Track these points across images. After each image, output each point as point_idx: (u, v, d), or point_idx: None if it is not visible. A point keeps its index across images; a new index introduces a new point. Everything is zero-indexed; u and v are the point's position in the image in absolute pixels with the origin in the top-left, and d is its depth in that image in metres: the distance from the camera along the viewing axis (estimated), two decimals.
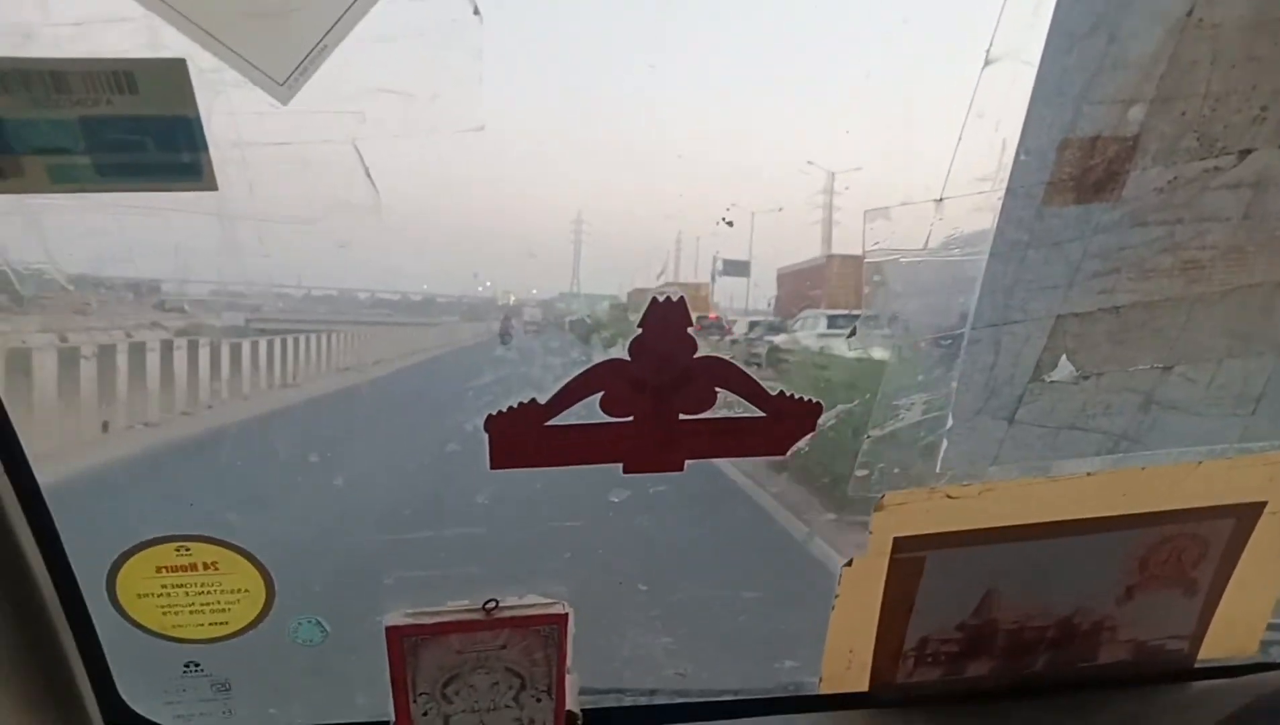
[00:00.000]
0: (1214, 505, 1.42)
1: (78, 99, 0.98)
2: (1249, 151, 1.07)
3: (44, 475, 1.28)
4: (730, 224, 1.53)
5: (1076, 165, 1.06)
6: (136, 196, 1.05)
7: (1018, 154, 1.05)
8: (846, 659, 1.50)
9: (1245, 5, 0.99)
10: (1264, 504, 1.43)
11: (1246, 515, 1.44)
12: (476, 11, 0.97)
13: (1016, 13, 0.98)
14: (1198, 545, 1.46)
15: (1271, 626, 1.60)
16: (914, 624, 1.47)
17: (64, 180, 1.02)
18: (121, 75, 0.98)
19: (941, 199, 1.10)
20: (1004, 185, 1.08)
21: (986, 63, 1.00)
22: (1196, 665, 1.60)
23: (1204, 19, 0.98)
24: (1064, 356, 1.21)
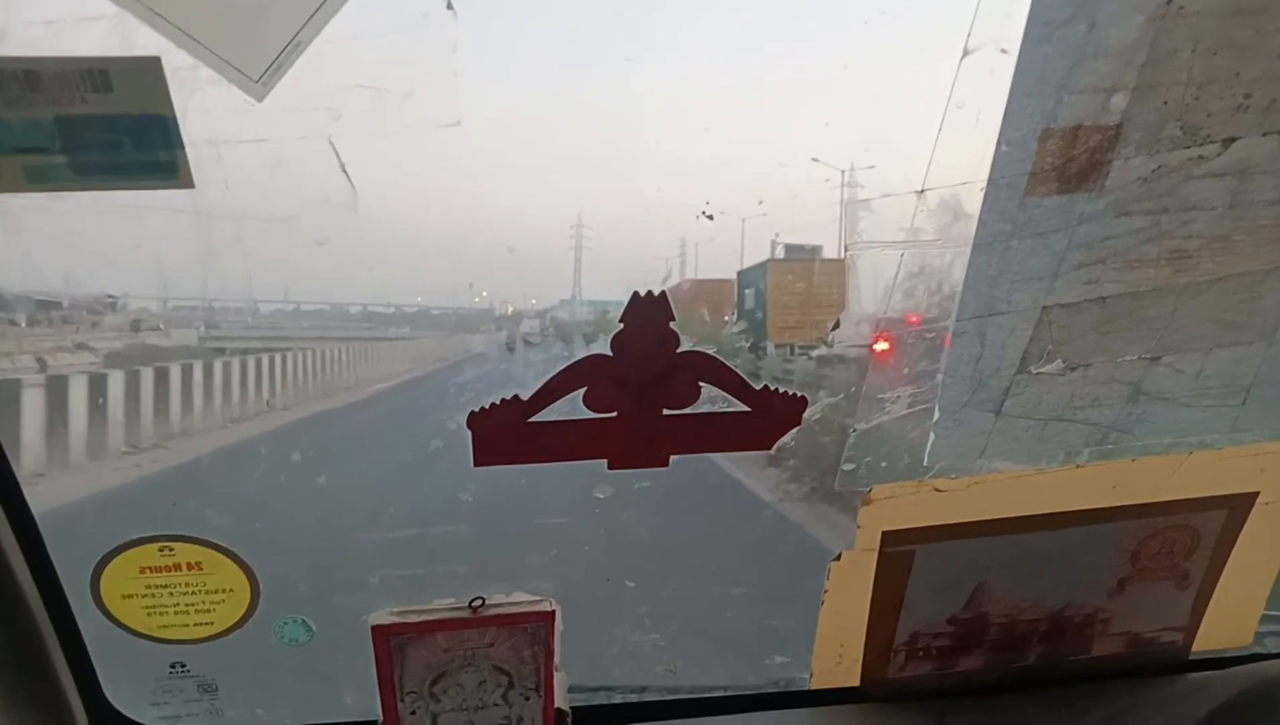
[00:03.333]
0: (1205, 496, 1.41)
1: (52, 98, 0.98)
2: (1233, 140, 1.06)
3: (26, 477, 1.28)
4: (710, 217, 1.52)
5: (1059, 155, 1.05)
6: (113, 195, 1.05)
7: (999, 144, 1.04)
8: (837, 654, 1.49)
9: None
10: (1256, 494, 1.42)
11: (1239, 506, 1.43)
12: (450, 6, 0.96)
13: (994, 1, 0.97)
14: (1189, 537, 1.46)
15: (1267, 618, 1.60)
16: (904, 618, 1.46)
17: (39, 180, 1.02)
18: (96, 74, 0.98)
19: (923, 190, 1.09)
20: (986, 176, 1.07)
21: (965, 53, 0.99)
22: (1191, 657, 1.59)
23: (1184, 6, 0.97)
24: (1050, 348, 1.20)
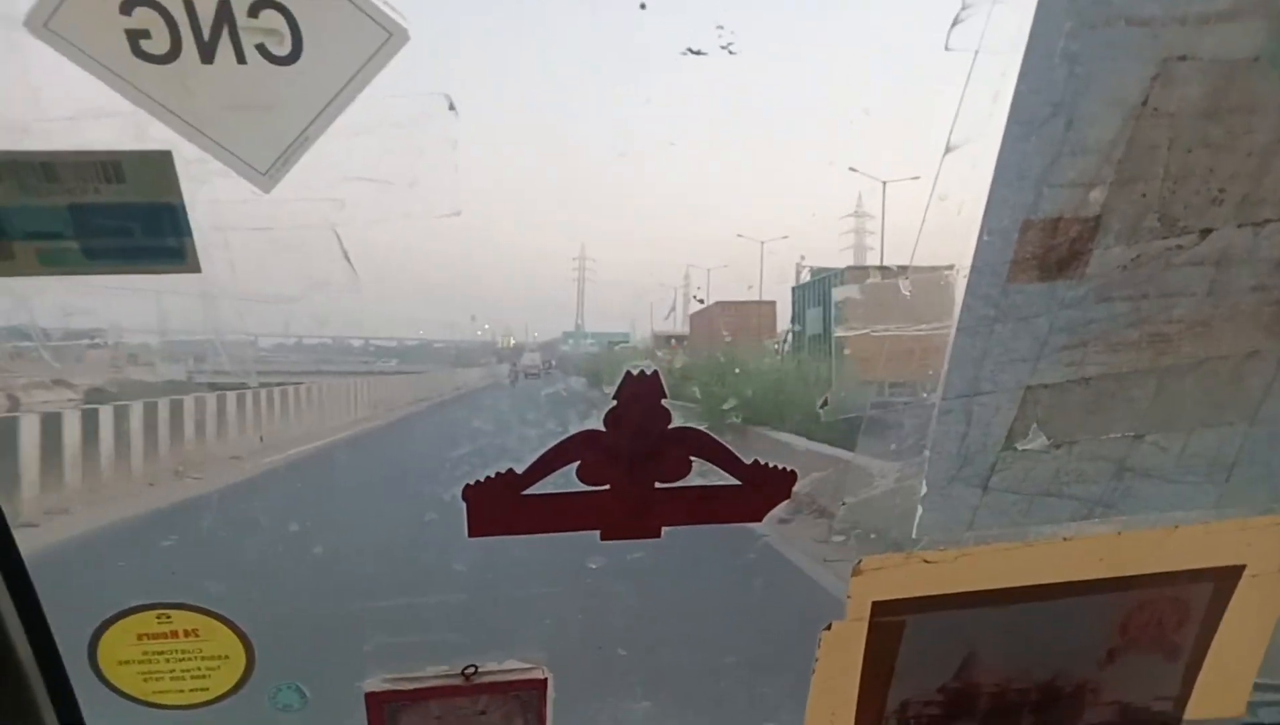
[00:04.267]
0: (1192, 569, 1.42)
1: (67, 188, 1.02)
2: (1209, 231, 1.09)
3: (24, 543, 1.30)
4: (701, 301, 1.56)
5: (1039, 245, 1.08)
6: (123, 278, 1.09)
7: (980, 234, 1.07)
8: (829, 723, 1.49)
9: (1198, 95, 1.01)
10: (1243, 568, 1.43)
11: (1226, 579, 1.44)
12: (452, 107, 1.01)
13: (975, 101, 1.01)
14: (1177, 608, 1.47)
15: (1259, 687, 1.60)
16: (895, 688, 1.47)
17: (53, 264, 1.06)
18: (109, 166, 1.02)
19: (908, 277, 1.12)
20: (968, 263, 1.10)
21: (947, 150, 1.03)
22: None
23: (1159, 108, 1.01)
24: (1034, 426, 1.22)
